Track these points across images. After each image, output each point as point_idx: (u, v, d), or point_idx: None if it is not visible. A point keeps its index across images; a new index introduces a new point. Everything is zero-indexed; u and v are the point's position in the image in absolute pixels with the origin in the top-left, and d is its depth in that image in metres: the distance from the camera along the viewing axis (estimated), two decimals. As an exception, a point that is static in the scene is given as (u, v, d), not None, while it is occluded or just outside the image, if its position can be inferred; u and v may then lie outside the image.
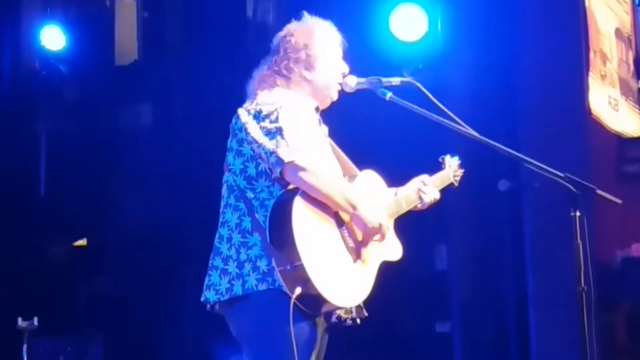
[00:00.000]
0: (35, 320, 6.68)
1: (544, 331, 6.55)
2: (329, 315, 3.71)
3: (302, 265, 3.42)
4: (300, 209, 3.50)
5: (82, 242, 8.06)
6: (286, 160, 3.51)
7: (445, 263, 7.34)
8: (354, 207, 3.63)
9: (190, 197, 7.32)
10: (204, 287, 3.70)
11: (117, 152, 7.97)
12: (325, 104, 3.93)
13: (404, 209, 4.03)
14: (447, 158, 4.43)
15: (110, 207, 7.97)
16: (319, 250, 3.50)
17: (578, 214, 3.61)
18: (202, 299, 3.72)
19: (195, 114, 7.61)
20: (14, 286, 7.67)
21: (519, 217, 6.79)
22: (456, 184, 4.46)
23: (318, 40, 3.90)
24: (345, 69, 3.94)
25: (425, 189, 4.12)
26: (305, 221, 3.50)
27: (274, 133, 3.56)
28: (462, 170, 4.49)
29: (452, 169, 4.42)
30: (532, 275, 6.67)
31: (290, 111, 3.62)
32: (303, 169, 3.52)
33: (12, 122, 8.09)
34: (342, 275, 3.57)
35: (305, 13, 3.97)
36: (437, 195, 4.19)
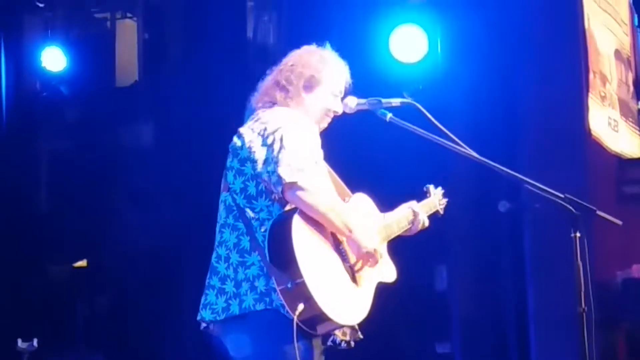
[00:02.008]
0: (35, 342, 6.67)
1: (544, 352, 6.54)
2: (325, 337, 3.71)
3: (303, 282, 3.41)
4: (299, 227, 3.51)
5: (82, 263, 8.06)
6: (287, 180, 3.51)
7: (445, 283, 7.34)
8: (350, 231, 3.64)
9: (190, 217, 7.32)
10: (200, 306, 3.70)
11: (118, 173, 7.98)
12: None
13: (395, 232, 4.04)
14: (432, 187, 4.45)
15: (110, 228, 7.96)
16: (319, 268, 3.50)
17: (578, 234, 3.62)
18: (198, 317, 3.71)
19: (195, 134, 7.62)
20: (13, 307, 7.66)
21: (519, 238, 6.79)
22: (442, 212, 4.46)
23: (328, 70, 3.91)
24: (339, 109, 3.94)
25: (418, 215, 4.13)
26: (305, 239, 3.50)
27: (277, 152, 3.56)
28: (446, 200, 4.49)
29: (436, 197, 4.43)
30: (533, 296, 6.66)
31: (294, 131, 3.62)
32: (303, 189, 3.52)
33: (13, 143, 8.10)
34: (342, 293, 3.58)
35: (327, 44, 3.98)
36: (427, 222, 4.21)
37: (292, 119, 3.71)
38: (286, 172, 3.52)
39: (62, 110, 8.25)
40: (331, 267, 3.59)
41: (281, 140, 3.58)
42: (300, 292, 3.42)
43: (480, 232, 6.89)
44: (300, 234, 3.49)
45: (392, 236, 4.01)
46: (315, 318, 3.47)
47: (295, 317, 3.42)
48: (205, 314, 3.67)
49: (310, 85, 3.87)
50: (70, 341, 8.01)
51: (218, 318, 3.63)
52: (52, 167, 8.44)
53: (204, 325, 3.73)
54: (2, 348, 7.04)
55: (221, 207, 3.75)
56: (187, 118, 7.75)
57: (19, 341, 6.68)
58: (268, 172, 3.57)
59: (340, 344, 3.74)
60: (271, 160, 3.56)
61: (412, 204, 4.18)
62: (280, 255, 3.48)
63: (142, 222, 7.71)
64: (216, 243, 3.72)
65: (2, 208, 7.87)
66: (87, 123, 8.18)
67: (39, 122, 8.35)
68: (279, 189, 3.54)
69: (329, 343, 3.73)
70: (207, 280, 3.71)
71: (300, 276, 3.41)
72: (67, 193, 8.11)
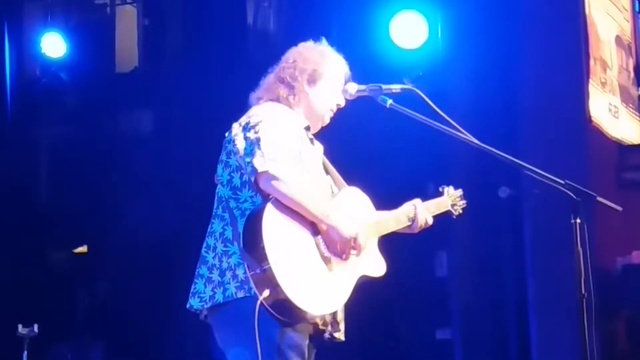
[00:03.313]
0: (36, 327, 6.67)
1: (544, 338, 6.55)
2: (318, 332, 3.72)
3: (270, 268, 3.45)
4: (271, 214, 3.54)
5: (82, 249, 8.07)
6: (259, 169, 3.57)
7: (445, 270, 7.34)
8: (327, 217, 3.65)
9: (190, 204, 7.31)
10: (190, 294, 3.76)
11: (118, 159, 7.98)
12: (316, 127, 3.98)
13: (391, 228, 4.03)
14: (448, 189, 4.39)
15: (110, 214, 7.97)
16: (289, 255, 3.52)
17: (578, 221, 3.62)
18: (187, 306, 3.78)
19: (195, 121, 7.62)
20: (14, 293, 7.67)
21: (519, 224, 6.79)
22: (455, 214, 4.41)
23: (328, 63, 3.95)
24: (342, 102, 3.98)
25: (418, 212, 4.12)
26: (275, 226, 3.53)
27: (253, 143, 3.62)
28: (465, 202, 4.43)
29: (450, 198, 4.37)
30: (533, 282, 6.67)
31: (273, 123, 3.68)
32: (275, 178, 3.56)
33: (12, 129, 8.10)
34: (313, 282, 3.57)
35: (324, 39, 4.01)
36: (430, 220, 4.19)
37: (275, 112, 3.76)
38: (259, 162, 3.57)
39: (61, 97, 8.24)
40: (304, 256, 3.59)
41: (258, 132, 3.63)
42: (267, 278, 3.46)
43: (481, 218, 6.87)
44: (271, 221, 3.52)
45: (386, 232, 3.99)
46: (284, 305, 3.48)
47: (259, 300, 3.45)
48: (193, 302, 3.74)
49: (313, 79, 3.91)
50: (71, 326, 8.02)
51: (205, 306, 3.70)
52: (52, 153, 8.44)
53: (203, 314, 3.77)
54: (2, 333, 7.04)
55: (215, 198, 3.81)
56: (187, 104, 7.75)
57: (20, 327, 6.68)
58: (245, 163, 3.63)
59: (333, 336, 3.76)
60: (248, 152, 3.62)
61: (417, 201, 4.18)
62: (251, 242, 3.52)
63: (143, 208, 7.71)
64: (207, 233, 3.79)
65: (3, 194, 7.86)
66: (86, 109, 8.18)
67: (39, 108, 8.34)
68: (253, 178, 3.61)
69: (327, 336, 3.75)
70: (196, 270, 3.77)
71: (267, 262, 3.45)
72: (67, 179, 8.11)
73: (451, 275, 7.26)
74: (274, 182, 3.56)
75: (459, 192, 4.41)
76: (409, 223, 4.10)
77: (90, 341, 7.91)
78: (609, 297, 6.26)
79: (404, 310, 7.22)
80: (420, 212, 4.13)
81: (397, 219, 4.06)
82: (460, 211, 4.42)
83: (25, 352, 6.66)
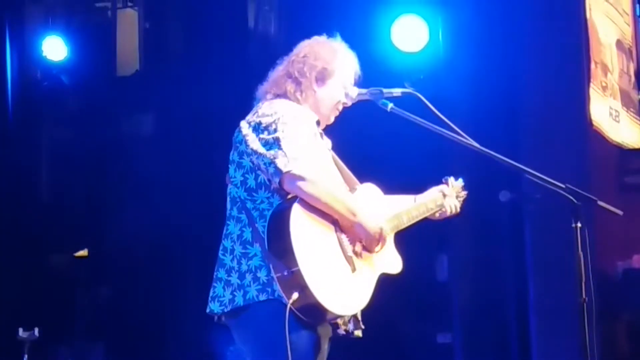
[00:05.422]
0: (36, 331, 6.66)
1: (545, 342, 6.55)
2: (333, 327, 3.72)
3: (298, 270, 3.43)
4: (298, 215, 3.52)
5: (83, 252, 8.07)
6: (284, 170, 3.53)
7: (446, 274, 7.34)
8: (353, 215, 3.65)
9: (191, 207, 7.32)
10: (209, 299, 3.73)
11: (119, 162, 7.98)
12: (322, 123, 3.95)
13: (415, 217, 4.03)
14: (451, 180, 4.36)
15: (111, 217, 7.97)
16: (316, 257, 3.51)
17: (579, 225, 3.61)
18: (207, 310, 3.74)
19: (196, 124, 7.62)
20: (14, 296, 7.67)
21: (520, 228, 6.79)
22: (459, 205, 4.36)
23: (339, 61, 3.93)
24: (349, 101, 3.96)
25: (447, 199, 4.15)
26: (302, 228, 3.52)
27: (272, 144, 3.59)
28: (466, 192, 4.41)
29: (454, 189, 4.35)
30: (533, 286, 6.67)
31: (289, 121, 3.64)
32: (301, 178, 3.54)
33: (14, 132, 8.10)
34: (339, 283, 3.57)
35: (338, 35, 3.99)
36: (459, 206, 4.23)
37: (288, 110, 3.72)
38: (282, 163, 3.54)
39: (63, 100, 8.25)
40: (330, 256, 3.59)
41: (275, 131, 3.61)
42: (295, 280, 3.44)
43: (481, 222, 6.89)
44: (299, 222, 3.51)
45: (409, 223, 3.99)
46: (311, 307, 3.48)
47: (289, 304, 3.44)
48: (213, 307, 3.70)
49: (322, 77, 3.89)
50: (71, 330, 8.02)
51: (225, 310, 3.66)
52: (53, 156, 8.44)
53: (216, 317, 3.75)
54: (3, 337, 7.04)
55: (228, 199, 3.78)
56: (188, 107, 7.75)
57: (20, 330, 6.67)
58: (265, 164, 3.59)
59: (352, 333, 3.75)
60: (267, 152, 3.59)
61: (444, 187, 4.20)
62: (278, 244, 3.50)
63: (144, 211, 7.71)
64: (223, 235, 3.75)
65: (4, 197, 7.87)
66: (88, 112, 8.18)
67: (40, 111, 8.35)
68: (277, 180, 3.57)
69: (342, 332, 3.74)
70: (214, 273, 3.73)
71: (296, 264, 3.43)
72: (68, 182, 8.12)
73: (452, 279, 7.26)
74: (299, 183, 3.54)
75: (460, 182, 4.38)
76: (437, 209, 4.12)
77: (91, 344, 7.91)
78: (610, 301, 6.26)
79: (404, 314, 7.22)
80: (449, 199, 4.15)
81: (423, 206, 4.07)
82: (461, 202, 4.37)
83: (26, 356, 6.65)
